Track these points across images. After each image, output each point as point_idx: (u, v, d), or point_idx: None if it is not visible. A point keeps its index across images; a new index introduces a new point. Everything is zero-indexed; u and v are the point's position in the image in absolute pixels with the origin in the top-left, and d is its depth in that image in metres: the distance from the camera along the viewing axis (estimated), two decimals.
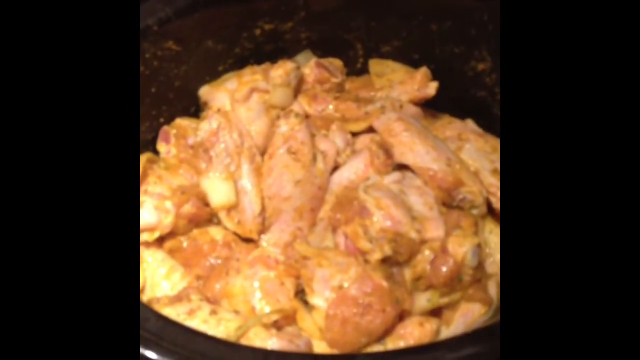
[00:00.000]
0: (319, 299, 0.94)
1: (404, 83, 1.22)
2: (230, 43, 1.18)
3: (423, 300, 0.97)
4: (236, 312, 0.93)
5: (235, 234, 1.07)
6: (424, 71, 1.21)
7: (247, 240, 1.07)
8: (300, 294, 0.98)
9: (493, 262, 1.10)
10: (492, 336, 0.76)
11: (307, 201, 1.07)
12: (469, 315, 1.00)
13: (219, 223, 1.08)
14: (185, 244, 1.05)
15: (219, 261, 1.04)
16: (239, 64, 1.20)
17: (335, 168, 1.12)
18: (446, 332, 0.99)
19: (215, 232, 1.06)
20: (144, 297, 1.00)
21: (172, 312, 0.90)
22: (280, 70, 1.14)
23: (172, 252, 1.04)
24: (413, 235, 0.98)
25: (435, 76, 1.20)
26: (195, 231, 1.06)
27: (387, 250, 0.95)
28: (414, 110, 1.19)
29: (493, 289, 1.04)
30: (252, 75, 1.14)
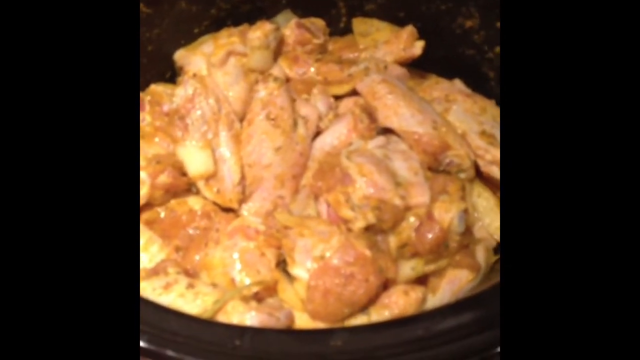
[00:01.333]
0: (301, 269, 0.91)
1: (389, 43, 1.18)
2: (205, 4, 1.14)
3: (407, 268, 0.94)
4: (214, 285, 0.90)
5: (215, 203, 1.04)
6: (409, 30, 1.17)
7: (228, 210, 1.04)
8: (282, 264, 0.96)
9: (481, 226, 1.07)
10: (481, 304, 0.74)
11: (288, 168, 1.04)
12: (455, 282, 0.98)
13: (198, 193, 1.05)
14: (162, 215, 1.02)
15: (198, 232, 1.01)
16: (215, 25, 1.16)
17: (318, 133, 1.08)
18: (433, 300, 0.97)
19: (194, 202, 1.03)
20: None
21: (148, 287, 0.87)
22: (259, 32, 1.09)
23: (149, 224, 1.01)
24: (397, 201, 0.94)
25: (421, 35, 1.16)
26: (173, 201, 1.03)
27: (371, 218, 0.92)
28: (400, 71, 1.14)
29: (481, 254, 1.01)
30: (228, 38, 1.09)
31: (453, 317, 0.71)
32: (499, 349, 0.68)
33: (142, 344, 0.68)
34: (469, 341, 0.68)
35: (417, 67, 1.20)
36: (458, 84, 1.19)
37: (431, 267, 0.97)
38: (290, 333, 0.75)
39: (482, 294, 0.77)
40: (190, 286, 0.87)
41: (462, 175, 1.05)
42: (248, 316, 0.83)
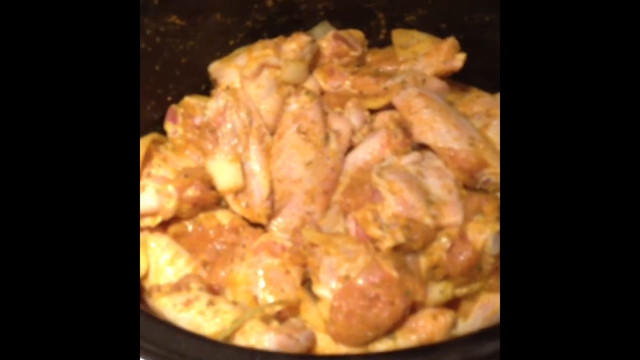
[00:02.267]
0: (325, 289, 0.89)
1: (429, 55, 1.14)
2: (240, 16, 1.13)
3: (436, 292, 0.90)
4: (235, 303, 0.88)
5: (244, 218, 1.02)
6: (451, 42, 1.13)
7: (256, 225, 1.02)
8: (307, 283, 0.94)
9: None
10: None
11: (318, 183, 1.01)
12: (489, 307, 0.93)
13: (226, 207, 1.04)
14: (190, 229, 1.01)
15: (225, 247, 1.00)
16: (251, 38, 1.15)
17: (352, 148, 1.06)
18: (464, 325, 0.93)
19: (222, 216, 1.02)
20: (147, 284, 0.97)
21: (169, 302, 0.87)
22: (294, 44, 1.08)
23: (177, 237, 1.00)
24: (428, 221, 0.91)
25: (463, 47, 1.13)
26: (202, 215, 1.02)
27: (399, 237, 0.89)
28: (439, 84, 1.11)
29: None
30: (262, 50, 1.08)
31: (476, 345, 0.67)
32: None
33: None
34: None
35: (459, 79, 1.16)
36: (500, 98, 1.14)
37: (463, 291, 0.93)
38: (301, 358, 0.73)
39: None
40: (211, 304, 0.86)
41: (499, 195, 1.00)
42: (266, 337, 0.81)
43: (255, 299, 0.91)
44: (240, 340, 0.81)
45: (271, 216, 1.01)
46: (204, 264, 0.99)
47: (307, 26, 1.18)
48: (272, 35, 1.14)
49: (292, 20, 1.17)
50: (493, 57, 1.17)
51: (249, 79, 1.07)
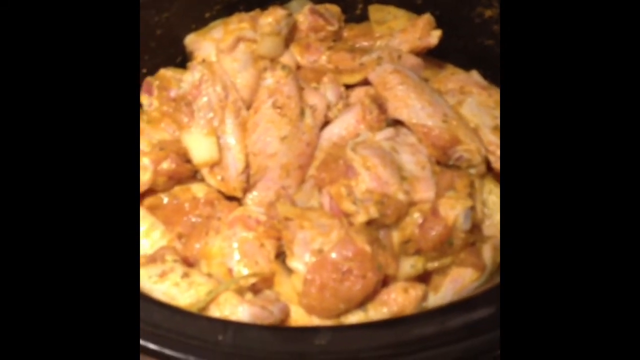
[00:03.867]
0: (299, 262, 0.90)
1: (405, 31, 1.15)
2: None
3: (408, 266, 0.92)
4: (209, 275, 0.89)
5: (219, 191, 1.03)
6: (426, 18, 1.14)
7: (231, 199, 1.03)
8: (281, 256, 0.95)
9: (491, 224, 1.04)
10: (468, 309, 0.71)
11: (294, 158, 1.02)
12: (459, 280, 0.95)
13: (202, 180, 1.04)
14: (165, 201, 1.02)
15: (201, 220, 1.00)
16: (227, 10, 1.14)
17: (327, 123, 1.06)
18: (434, 299, 0.95)
19: (197, 189, 1.03)
20: None
21: (145, 274, 0.87)
22: (270, 18, 1.07)
23: (152, 210, 1.01)
24: (401, 196, 0.93)
25: (439, 23, 1.13)
26: (177, 188, 1.03)
27: (373, 212, 0.90)
28: (414, 60, 1.12)
29: (488, 253, 0.98)
30: (238, 24, 1.08)
31: (439, 320, 0.69)
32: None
33: None
34: (454, 348, 0.66)
35: (435, 56, 1.17)
36: (475, 75, 1.15)
37: (434, 265, 0.95)
38: (273, 330, 0.74)
39: (474, 298, 0.74)
40: (186, 275, 0.87)
41: (472, 171, 1.02)
42: (240, 309, 0.82)
43: (229, 271, 0.91)
44: (215, 312, 0.82)
45: (246, 190, 1.02)
46: (179, 237, 0.99)
47: (284, 0, 1.18)
48: (248, 8, 1.14)
49: None
50: (468, 34, 1.19)
51: (225, 52, 1.06)
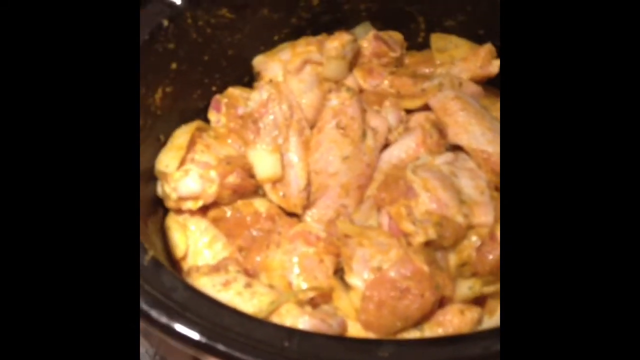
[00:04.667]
0: (357, 279, 0.92)
1: (466, 60, 1.17)
2: (286, 12, 1.16)
3: (465, 288, 0.93)
4: (271, 286, 0.92)
5: (280, 207, 1.06)
6: (488, 48, 1.16)
7: (291, 215, 1.06)
8: (339, 272, 0.97)
9: None
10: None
11: (354, 178, 1.05)
12: None
13: (264, 195, 1.07)
14: (228, 214, 1.05)
15: (261, 234, 1.03)
16: (295, 34, 1.18)
17: (387, 146, 1.09)
18: (489, 322, 0.95)
19: (259, 204, 1.06)
20: (185, 265, 1.00)
21: (208, 282, 0.90)
22: (336, 42, 1.11)
23: (215, 222, 1.04)
24: (460, 219, 0.94)
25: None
26: (240, 202, 1.06)
27: (431, 233, 0.92)
28: (475, 88, 1.14)
29: None
30: (306, 47, 1.12)
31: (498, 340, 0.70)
32: None
33: (194, 336, 0.71)
34: None
35: (494, 85, 1.19)
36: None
37: (490, 289, 0.95)
38: (338, 339, 0.76)
39: None
40: (248, 285, 0.89)
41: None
42: (301, 320, 0.84)
43: (289, 284, 0.94)
44: (276, 322, 0.84)
45: (306, 207, 1.05)
46: (240, 249, 1.02)
47: (349, 26, 1.21)
48: (315, 32, 1.18)
49: (335, 19, 1.20)
50: None
51: (291, 73, 1.10)
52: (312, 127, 1.09)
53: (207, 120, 1.13)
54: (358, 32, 1.21)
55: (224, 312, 0.72)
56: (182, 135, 1.06)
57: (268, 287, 0.90)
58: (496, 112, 1.15)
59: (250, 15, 1.13)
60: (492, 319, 0.95)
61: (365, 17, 1.22)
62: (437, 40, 1.26)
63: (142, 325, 0.72)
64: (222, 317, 0.72)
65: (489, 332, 0.75)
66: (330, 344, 0.70)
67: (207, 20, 1.08)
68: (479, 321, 0.93)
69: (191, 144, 1.05)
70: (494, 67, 1.15)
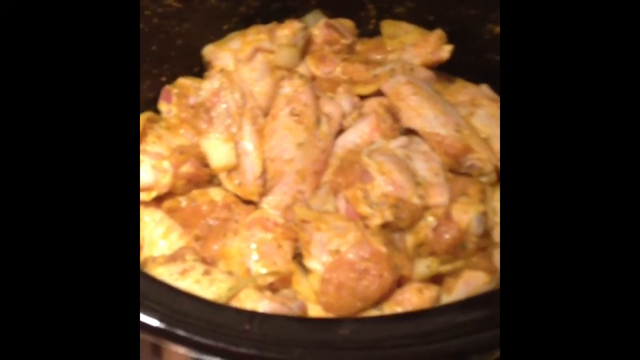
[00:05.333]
0: (316, 262, 0.92)
1: (417, 45, 1.19)
2: (235, 1, 1.16)
3: (423, 267, 0.94)
4: (230, 273, 0.91)
5: (236, 195, 1.05)
6: (438, 34, 1.18)
7: (248, 203, 1.05)
8: (298, 257, 0.97)
9: None
10: (489, 303, 0.73)
11: (309, 164, 1.05)
12: (471, 283, 0.97)
13: (219, 184, 1.07)
14: (184, 204, 1.04)
15: (218, 222, 1.02)
16: (245, 23, 1.17)
17: (342, 131, 1.09)
18: (447, 300, 0.96)
19: (215, 193, 1.05)
20: (141, 257, 0.99)
21: (165, 272, 0.89)
22: (287, 30, 1.11)
23: (170, 212, 1.03)
24: (415, 200, 0.95)
25: (450, 39, 1.17)
26: (195, 192, 1.05)
27: (388, 215, 0.92)
28: (426, 73, 1.15)
29: (499, 257, 1.00)
30: (256, 35, 1.11)
31: (461, 313, 0.71)
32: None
33: (154, 323, 0.70)
34: (475, 337, 0.68)
35: (445, 70, 1.20)
36: (485, 89, 1.19)
37: (447, 267, 0.97)
38: (299, 320, 0.76)
39: (492, 292, 0.76)
40: (206, 273, 0.88)
41: (484, 179, 1.04)
42: (260, 304, 0.84)
43: (248, 270, 0.93)
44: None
45: (263, 194, 1.04)
46: (197, 239, 1.01)
47: (300, 14, 1.21)
48: (265, 21, 1.17)
49: (284, 7, 1.20)
50: (478, 49, 1.22)
51: (242, 62, 1.09)
52: (265, 115, 1.08)
53: (157, 111, 1.12)
54: (309, 20, 1.21)
55: (183, 299, 0.71)
56: None
57: (226, 274, 0.90)
58: (448, 96, 1.17)
59: (198, 4, 1.12)
60: (451, 297, 0.96)
61: (315, 5, 1.23)
62: (388, 26, 1.27)
63: None
64: (181, 303, 0.71)
65: (447, 307, 0.76)
66: (291, 325, 0.69)
67: (153, 9, 1.07)
68: (438, 299, 0.94)
69: (142, 135, 1.04)
70: (445, 52, 1.16)
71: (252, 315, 0.71)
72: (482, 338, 0.70)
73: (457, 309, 0.73)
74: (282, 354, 0.66)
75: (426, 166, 1.01)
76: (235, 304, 0.84)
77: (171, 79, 1.13)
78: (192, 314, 0.70)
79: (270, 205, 1.03)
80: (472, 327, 0.70)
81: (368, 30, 1.27)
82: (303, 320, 0.77)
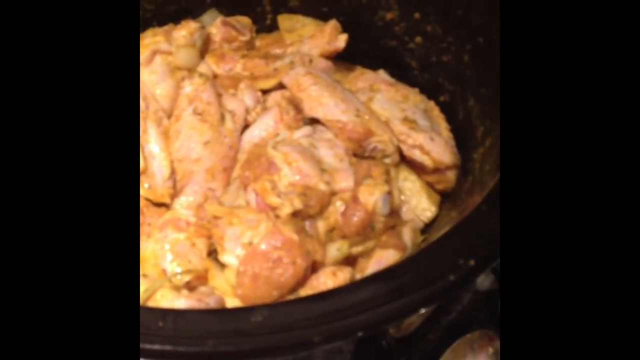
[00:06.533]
0: (230, 256, 0.94)
1: (314, 37, 1.21)
2: None
3: (334, 250, 0.97)
4: (145, 275, 0.92)
5: (147, 199, 1.05)
6: (333, 24, 1.21)
7: (160, 205, 1.05)
8: (213, 253, 0.98)
9: (408, 209, 1.12)
10: (393, 276, 0.77)
11: (218, 161, 1.06)
12: (382, 261, 1.01)
13: None
14: None
15: None
16: (141, 26, 1.17)
17: (247, 127, 1.11)
18: None
19: None
20: None
21: None
22: (184, 31, 1.12)
23: None
24: (322, 187, 0.98)
25: (345, 28, 1.20)
26: None
27: (297, 203, 0.95)
28: (325, 64, 1.18)
29: (407, 234, 1.05)
30: (153, 37, 1.11)
31: (366, 288, 0.74)
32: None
33: None
34: (382, 310, 0.71)
35: (344, 59, 1.24)
36: (382, 74, 1.23)
37: (358, 249, 1.00)
38: (211, 312, 0.78)
39: (394, 267, 0.80)
40: None
41: (387, 160, 1.09)
42: (177, 303, 0.85)
43: (164, 272, 0.94)
44: None
45: (174, 195, 1.05)
46: None
47: (196, 14, 1.22)
48: (161, 23, 1.18)
49: (180, 8, 1.21)
50: (372, 37, 1.27)
51: (142, 65, 1.09)
52: (169, 116, 1.09)
53: None
54: (205, 19, 1.22)
55: None
56: None
57: (141, 276, 0.90)
58: (348, 84, 1.21)
59: None
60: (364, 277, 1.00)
61: (210, 4, 1.24)
62: (284, 20, 1.29)
63: None
64: None
65: (355, 284, 0.79)
66: (204, 318, 0.71)
67: None
68: (352, 280, 0.97)
69: None
70: (341, 41, 1.19)
71: (165, 312, 0.72)
72: (388, 309, 0.73)
73: (362, 285, 0.76)
74: (196, 346, 0.67)
75: (331, 153, 1.04)
76: (151, 304, 0.85)
77: None
78: None
79: (182, 206, 1.04)
80: (378, 300, 0.73)
81: (265, 25, 1.30)
82: (215, 312, 0.79)
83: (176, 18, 1.18)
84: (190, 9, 1.22)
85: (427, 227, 1.12)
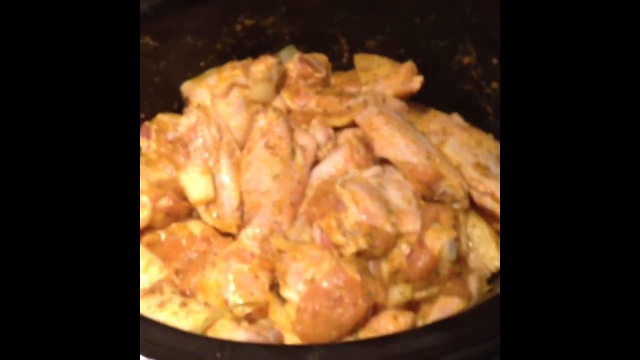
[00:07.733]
0: (292, 292, 0.94)
1: (388, 77, 1.22)
2: (210, 39, 1.19)
3: (396, 293, 0.96)
4: (206, 304, 0.93)
5: (215, 228, 1.07)
6: (409, 65, 1.21)
7: (226, 235, 1.07)
8: (275, 287, 0.98)
9: (476, 256, 1.09)
10: (455, 326, 0.75)
11: (286, 195, 1.07)
12: (446, 309, 0.99)
13: (198, 217, 1.09)
14: (163, 238, 1.06)
15: (197, 255, 1.04)
16: (221, 59, 1.21)
17: (317, 163, 1.12)
18: None
19: (194, 226, 1.07)
20: None
21: (144, 304, 0.90)
22: (261, 66, 1.14)
23: (150, 246, 1.05)
24: (388, 228, 0.97)
25: (421, 70, 1.20)
26: (174, 225, 1.07)
27: (362, 243, 0.94)
28: (398, 104, 1.18)
29: (474, 283, 1.02)
30: (231, 71, 1.15)
31: (426, 336, 0.72)
32: None
33: None
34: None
35: (418, 101, 1.23)
36: (456, 118, 1.22)
37: (422, 294, 0.98)
38: (269, 347, 0.77)
39: (457, 316, 0.78)
40: (183, 305, 0.90)
41: (456, 206, 1.07)
42: (236, 334, 0.85)
43: (225, 302, 0.95)
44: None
45: (241, 226, 1.06)
46: (177, 272, 1.03)
47: (274, 49, 1.25)
48: (240, 57, 1.21)
49: (259, 43, 1.24)
50: (448, 80, 1.26)
51: (219, 97, 1.12)
52: (241, 148, 1.11)
53: None
54: (283, 55, 1.25)
55: (154, 328, 0.73)
56: None
57: (203, 305, 0.91)
58: (421, 125, 1.20)
59: (174, 43, 1.16)
60: (426, 323, 0.98)
61: (289, 40, 1.27)
62: (361, 60, 1.31)
63: None
64: (152, 332, 0.72)
65: (416, 331, 0.77)
66: (261, 352, 0.71)
67: None
68: (413, 325, 0.95)
69: None
70: (416, 83, 1.19)
71: (224, 343, 0.72)
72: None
73: (423, 333, 0.74)
74: None
75: (399, 194, 1.03)
76: (211, 334, 0.86)
77: (150, 116, 1.16)
78: (163, 344, 0.71)
79: (248, 237, 1.05)
80: (439, 349, 0.71)
81: (342, 63, 1.31)
82: (273, 347, 0.78)
83: (255, 53, 1.21)
84: (269, 44, 1.24)
85: (495, 277, 1.08)
